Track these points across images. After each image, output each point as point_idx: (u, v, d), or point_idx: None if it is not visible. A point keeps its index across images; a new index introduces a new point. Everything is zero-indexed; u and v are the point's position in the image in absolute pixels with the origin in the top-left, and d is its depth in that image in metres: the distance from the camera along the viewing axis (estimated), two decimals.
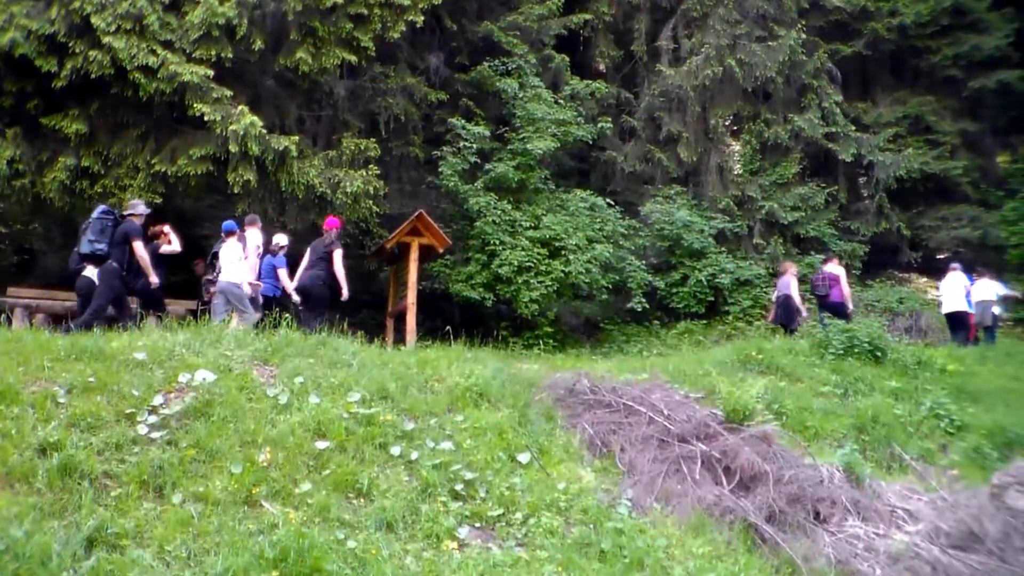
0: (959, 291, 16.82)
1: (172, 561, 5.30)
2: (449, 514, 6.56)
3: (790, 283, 16.74)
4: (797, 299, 16.66)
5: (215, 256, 12.71)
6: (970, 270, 17.82)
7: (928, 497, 8.55)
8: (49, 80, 13.23)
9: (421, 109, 19.81)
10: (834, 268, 16.85)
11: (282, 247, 13.53)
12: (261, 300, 12.94)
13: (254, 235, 12.90)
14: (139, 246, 11.54)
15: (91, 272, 11.44)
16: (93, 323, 10.38)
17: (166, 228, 13.00)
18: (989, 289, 16.75)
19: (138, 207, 12.11)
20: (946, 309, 17.17)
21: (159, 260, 12.45)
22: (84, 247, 11.27)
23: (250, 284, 12.45)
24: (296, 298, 13.17)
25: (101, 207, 11.75)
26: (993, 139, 25.70)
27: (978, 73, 23.80)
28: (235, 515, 5.90)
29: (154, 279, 11.83)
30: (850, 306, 16.80)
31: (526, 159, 18.87)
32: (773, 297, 17.35)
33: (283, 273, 13.28)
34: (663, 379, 10.47)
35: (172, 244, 12.86)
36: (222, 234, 12.55)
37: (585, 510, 7.04)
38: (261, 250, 13.10)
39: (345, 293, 13.27)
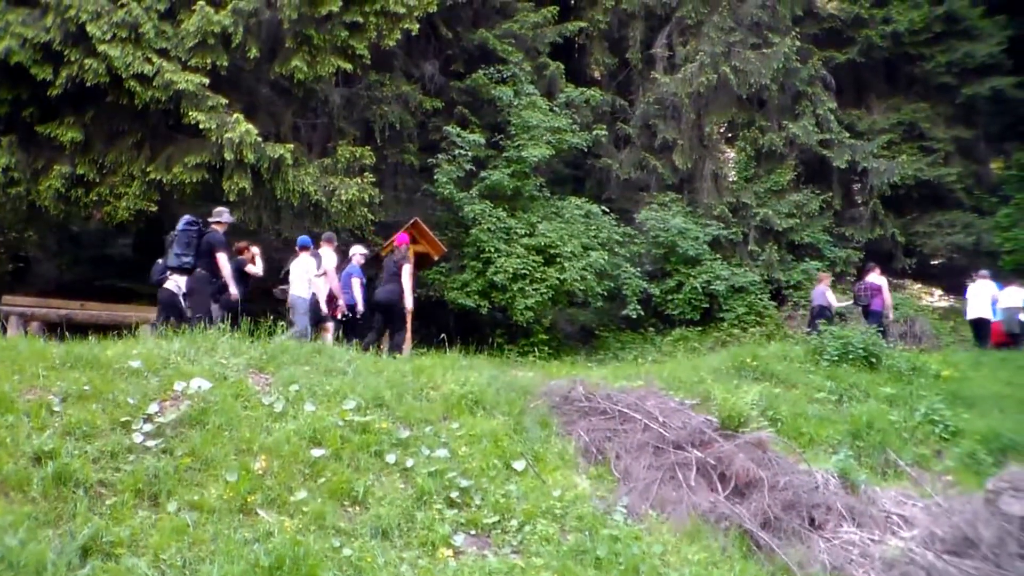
0: (985, 298, 16.89)
1: (167, 569, 5.29)
2: (445, 522, 6.56)
3: (824, 292, 16.97)
4: (834, 305, 16.96)
5: (288, 272, 13.03)
6: (964, 277, 17.88)
7: (923, 503, 8.56)
8: (45, 88, 13.23)
9: (416, 117, 19.87)
10: (876, 278, 16.94)
11: (362, 255, 13.83)
12: (344, 315, 13.28)
13: (328, 254, 13.06)
14: (223, 258, 11.74)
15: (173, 284, 11.71)
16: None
17: (254, 249, 13.29)
18: (1017, 296, 16.80)
19: (223, 215, 12.33)
20: (970, 315, 17.26)
21: (241, 276, 12.55)
22: (172, 260, 11.55)
23: (336, 306, 12.96)
24: (349, 311, 13.31)
25: (186, 218, 11.93)
26: (986, 146, 25.82)
27: (971, 80, 23.92)
28: (230, 523, 5.89)
29: (234, 291, 11.93)
30: (891, 315, 17.16)
31: (521, 167, 18.91)
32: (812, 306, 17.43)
33: (356, 283, 13.40)
34: (658, 386, 10.46)
35: (256, 266, 13.10)
36: (296, 248, 12.90)
37: (581, 517, 7.04)
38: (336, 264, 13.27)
39: (408, 305, 13.32)
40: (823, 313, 16.61)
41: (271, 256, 21.20)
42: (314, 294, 12.69)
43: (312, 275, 12.58)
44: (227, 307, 11.96)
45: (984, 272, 17.31)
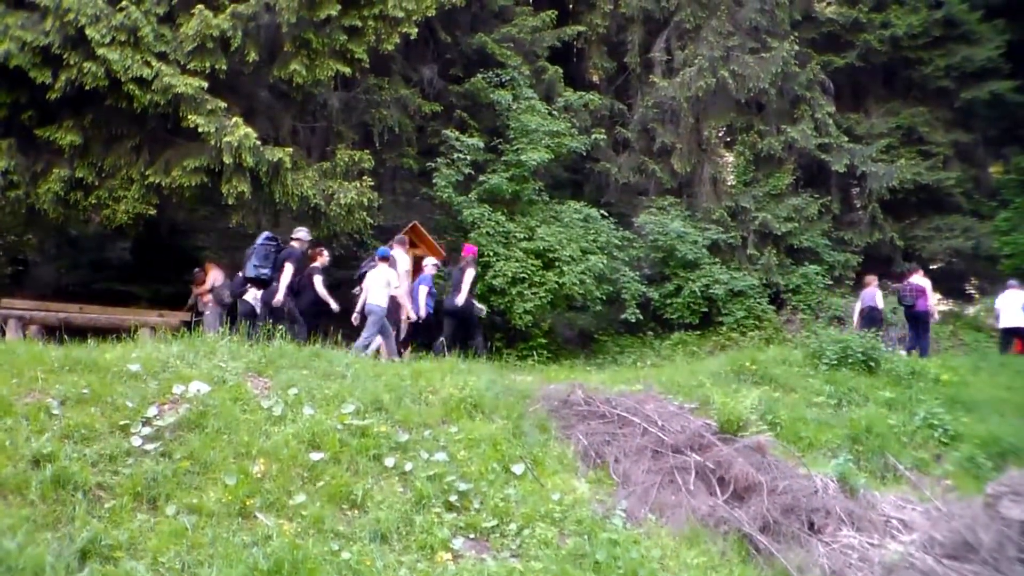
0: (1016, 307, 16.96)
1: (166, 573, 5.29)
2: (443, 525, 6.55)
3: (875, 295, 17.10)
4: (881, 308, 17.09)
5: (361, 277, 13.23)
6: (963, 281, 17.92)
7: (922, 507, 8.56)
8: (43, 91, 13.21)
9: (415, 121, 19.87)
10: (920, 280, 17.07)
11: (434, 264, 14.30)
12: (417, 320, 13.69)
13: (401, 256, 13.56)
14: (287, 270, 12.26)
15: (251, 296, 12.51)
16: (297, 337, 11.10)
17: (326, 254, 13.77)
18: None
19: (301, 233, 13.06)
20: (1003, 324, 17.32)
21: (311, 284, 12.96)
22: (250, 271, 12.22)
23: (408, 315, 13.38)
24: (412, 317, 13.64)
25: (265, 233, 12.68)
26: (985, 150, 25.85)
27: (970, 84, 23.96)
28: (229, 527, 5.89)
29: (279, 298, 12.25)
30: (935, 316, 17.45)
31: (520, 170, 18.90)
32: (856, 309, 17.53)
33: (423, 291, 13.77)
34: (657, 390, 10.47)
35: (322, 259, 13.49)
36: (376, 257, 13.21)
37: (579, 521, 7.03)
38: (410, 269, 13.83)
39: (459, 300, 13.65)
40: (873, 314, 16.77)
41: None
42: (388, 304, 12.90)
43: (392, 286, 12.93)
44: (276, 314, 12.29)
45: (1013, 282, 17.41)
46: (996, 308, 17.48)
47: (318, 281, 12.95)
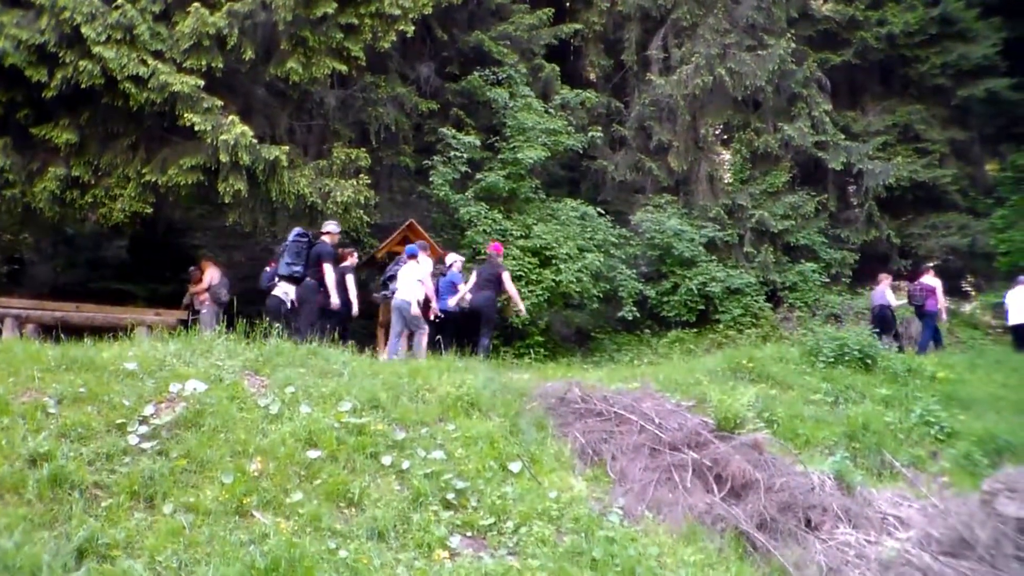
0: None
1: (163, 571, 5.28)
2: (440, 523, 6.55)
3: (885, 293, 17.18)
4: (894, 304, 17.22)
5: (391, 278, 13.57)
6: (960, 279, 17.94)
7: (919, 504, 8.57)
8: (39, 90, 13.19)
9: (412, 119, 19.86)
10: (930, 280, 17.26)
11: (460, 262, 14.48)
12: (437, 317, 13.76)
13: (424, 260, 13.55)
14: (328, 268, 12.51)
15: (280, 291, 12.46)
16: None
17: (353, 251, 14.30)
18: None
19: (330, 226, 13.20)
20: (1012, 321, 17.36)
21: (343, 284, 13.15)
22: (283, 268, 12.36)
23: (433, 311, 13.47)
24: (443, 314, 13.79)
25: (296, 230, 12.87)
26: (982, 147, 25.84)
27: (966, 82, 23.93)
28: (226, 525, 5.89)
29: (335, 300, 12.63)
30: (944, 316, 17.60)
31: (517, 168, 18.91)
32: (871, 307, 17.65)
33: (462, 287, 13.91)
34: (654, 388, 10.48)
35: (352, 259, 13.97)
36: (404, 256, 13.38)
37: (576, 519, 7.04)
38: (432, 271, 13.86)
39: (522, 309, 14.62)
40: (884, 312, 16.88)
41: (263, 258, 21.27)
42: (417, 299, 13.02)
43: (418, 279, 13.03)
44: (330, 316, 12.59)
45: (1022, 278, 17.39)
46: (1005, 305, 17.49)
47: (350, 281, 13.16)
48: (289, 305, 12.43)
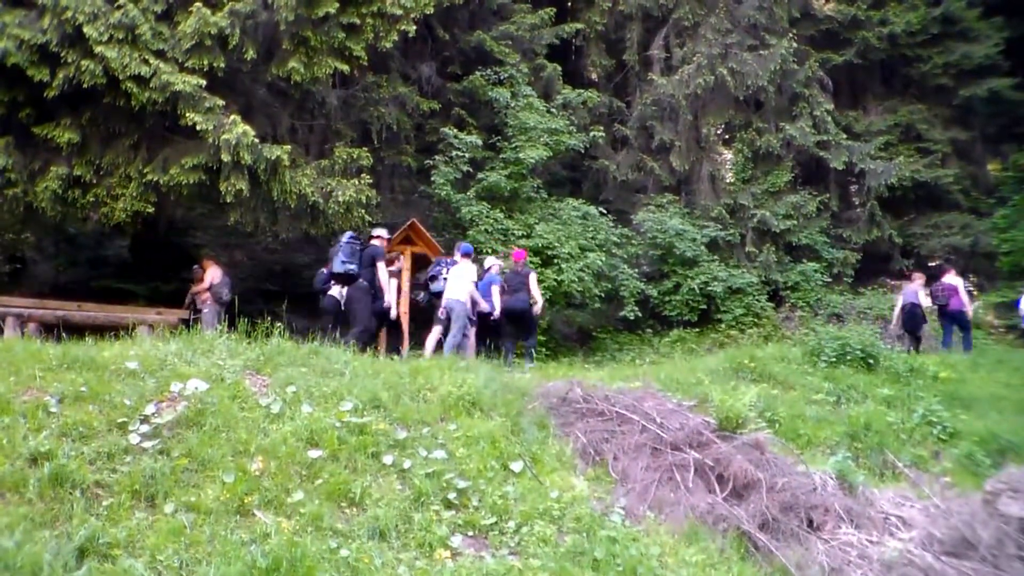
0: None
1: (164, 571, 5.27)
2: (442, 523, 6.54)
3: (918, 292, 17.17)
4: (924, 306, 17.20)
5: (432, 278, 13.85)
6: (962, 278, 17.95)
7: (921, 504, 8.56)
8: (41, 89, 13.19)
9: (413, 118, 19.86)
10: (952, 279, 17.28)
11: (499, 265, 14.51)
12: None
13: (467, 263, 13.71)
14: (382, 267, 12.85)
15: (336, 292, 13.08)
16: (362, 336, 11.97)
17: (400, 256, 14.74)
18: None
19: (381, 231, 13.62)
20: None
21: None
22: (337, 267, 12.57)
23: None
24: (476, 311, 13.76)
25: (348, 232, 13.15)
26: (983, 147, 25.87)
27: (968, 81, 23.97)
28: (227, 524, 5.88)
29: (388, 300, 13.01)
30: (969, 314, 17.48)
31: (518, 168, 18.92)
32: (898, 305, 17.60)
33: (496, 290, 13.92)
34: (656, 387, 10.46)
35: (398, 263, 14.39)
36: (457, 255, 13.73)
37: (578, 518, 7.02)
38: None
39: (538, 309, 14.40)
40: (915, 311, 16.93)
41: (264, 257, 21.29)
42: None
43: (470, 280, 13.31)
44: (382, 315, 12.99)
45: None
46: (1019, 309, 17.48)
47: (393, 285, 13.39)
48: (340, 305, 12.96)
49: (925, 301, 17.25)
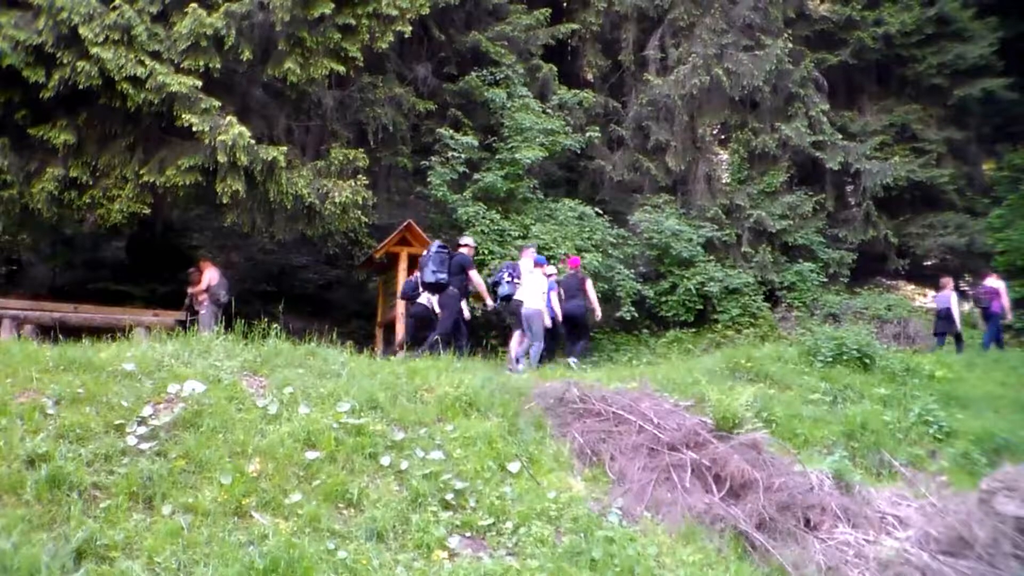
0: None
1: (162, 572, 5.28)
2: (439, 523, 6.55)
3: (951, 297, 17.42)
4: (957, 314, 17.37)
5: (496, 284, 14.27)
6: (957, 278, 18.04)
7: (917, 503, 8.57)
8: (37, 91, 13.18)
9: (409, 119, 19.86)
10: (994, 282, 17.49)
11: (553, 274, 14.72)
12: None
13: (528, 265, 14.15)
14: (475, 274, 13.47)
15: (425, 299, 13.50)
16: (438, 344, 12.13)
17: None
18: None
19: (468, 239, 14.26)
20: None
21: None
22: (427, 276, 13.00)
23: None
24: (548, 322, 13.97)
25: (437, 242, 13.67)
26: (978, 147, 25.94)
27: (963, 82, 24.01)
28: (225, 526, 5.89)
29: (490, 303, 14.06)
30: (1009, 316, 17.90)
31: (514, 169, 18.93)
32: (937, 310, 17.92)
33: (554, 296, 14.25)
34: (652, 388, 10.46)
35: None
36: (525, 261, 14.14)
37: (575, 519, 7.04)
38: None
39: (599, 315, 15.29)
40: (950, 316, 17.16)
41: (261, 258, 21.28)
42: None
43: (544, 290, 13.72)
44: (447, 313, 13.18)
45: None
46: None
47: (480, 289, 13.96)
48: (432, 312, 13.41)
49: (957, 306, 17.48)
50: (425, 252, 13.43)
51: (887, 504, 8.48)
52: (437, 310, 13.32)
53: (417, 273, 13.80)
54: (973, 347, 17.10)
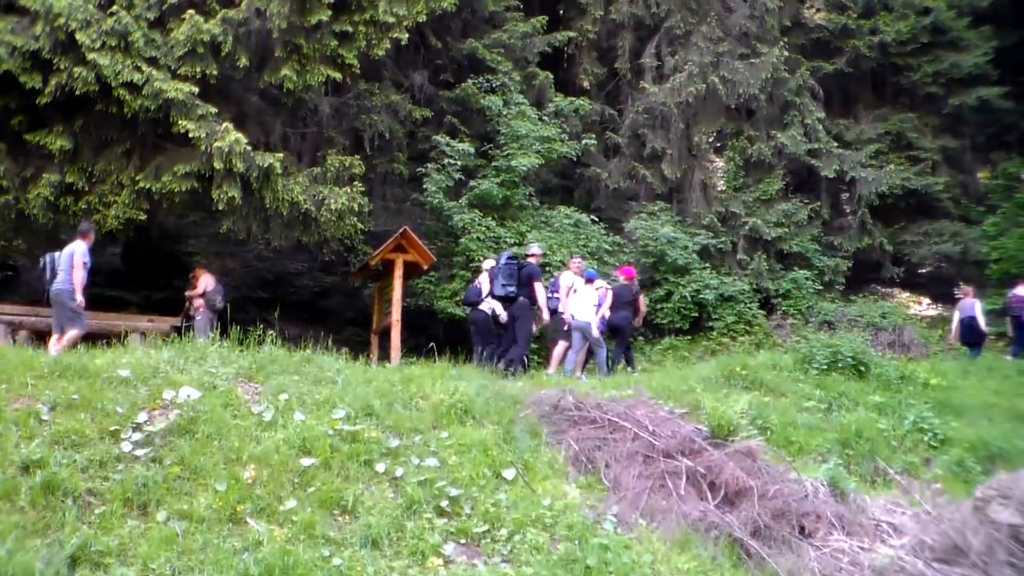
0: None
1: None
2: (434, 531, 6.55)
3: (975, 305, 17.60)
4: (982, 321, 17.52)
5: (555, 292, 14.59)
6: (952, 286, 18.09)
7: (912, 511, 8.58)
8: (33, 96, 13.17)
9: (405, 126, 19.88)
10: None
11: (602, 287, 14.91)
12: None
13: (569, 276, 14.58)
14: (540, 287, 13.83)
15: (487, 306, 13.56)
16: (523, 356, 13.26)
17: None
18: None
19: (535, 248, 14.97)
20: None
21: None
22: (498, 289, 13.40)
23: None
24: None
25: (506, 253, 14.13)
26: (973, 155, 26.04)
27: (958, 90, 24.11)
28: (220, 532, 5.89)
29: (546, 316, 14.18)
30: None
31: (510, 176, 18.94)
32: (955, 319, 18.06)
33: (604, 308, 14.51)
34: (648, 395, 10.47)
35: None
36: (583, 280, 14.40)
37: (570, 526, 7.03)
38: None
39: (637, 322, 15.67)
40: (974, 323, 17.35)
41: (256, 265, 21.25)
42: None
43: (594, 303, 14.10)
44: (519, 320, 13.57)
45: None
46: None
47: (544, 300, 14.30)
48: (492, 319, 13.56)
49: (982, 314, 17.59)
50: (495, 263, 13.86)
51: (882, 512, 8.48)
52: (501, 318, 13.53)
53: (479, 280, 14.12)
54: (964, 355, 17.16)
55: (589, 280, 14.37)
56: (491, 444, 8.12)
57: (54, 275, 11.92)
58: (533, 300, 13.81)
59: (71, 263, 11.76)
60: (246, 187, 14.40)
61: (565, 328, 14.15)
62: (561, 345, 14.22)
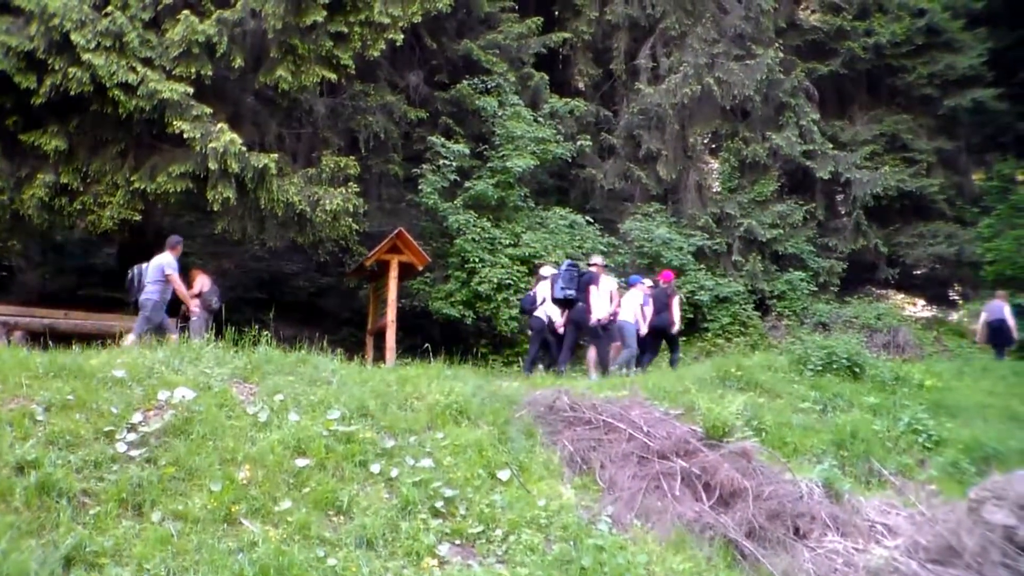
0: None
1: None
2: (429, 531, 6.55)
3: (1003, 307, 17.71)
4: (1012, 323, 17.61)
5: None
6: (947, 287, 18.14)
7: (907, 512, 8.58)
8: (28, 97, 13.16)
9: (401, 127, 19.87)
10: None
11: (650, 286, 15.25)
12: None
13: (607, 280, 14.49)
14: (594, 290, 13.80)
15: (542, 312, 14.23)
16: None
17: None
18: None
19: (598, 259, 15.36)
20: None
21: None
22: (557, 293, 13.73)
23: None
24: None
25: (568, 260, 14.75)
26: (968, 157, 26.04)
27: (953, 92, 24.15)
28: (214, 533, 5.88)
29: (594, 321, 13.89)
30: None
31: (506, 177, 18.95)
32: (981, 320, 18.13)
33: (648, 311, 14.78)
34: (643, 396, 10.45)
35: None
36: (626, 283, 15.27)
37: (565, 527, 7.03)
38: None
39: (677, 327, 15.40)
40: (1003, 325, 17.44)
41: (251, 266, 21.23)
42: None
43: (639, 305, 14.50)
44: (592, 333, 13.93)
45: None
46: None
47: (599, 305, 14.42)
48: (548, 324, 14.20)
49: (1011, 317, 17.66)
50: (555, 270, 14.27)
51: (876, 513, 8.48)
52: (557, 325, 14.13)
53: (535, 287, 14.71)
54: (966, 356, 17.20)
55: (632, 285, 14.82)
56: (486, 445, 8.12)
57: (142, 286, 12.63)
58: (588, 306, 13.85)
59: (160, 275, 12.42)
60: (241, 188, 14.40)
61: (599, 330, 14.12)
62: (592, 351, 14.30)
